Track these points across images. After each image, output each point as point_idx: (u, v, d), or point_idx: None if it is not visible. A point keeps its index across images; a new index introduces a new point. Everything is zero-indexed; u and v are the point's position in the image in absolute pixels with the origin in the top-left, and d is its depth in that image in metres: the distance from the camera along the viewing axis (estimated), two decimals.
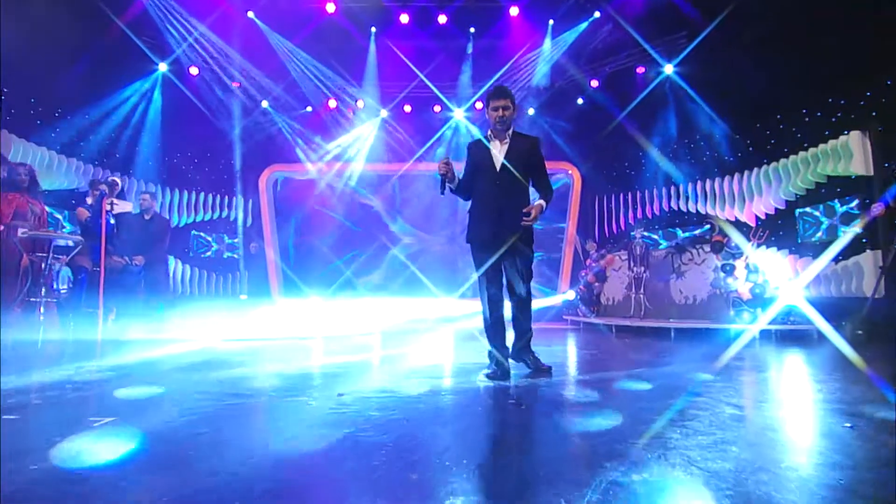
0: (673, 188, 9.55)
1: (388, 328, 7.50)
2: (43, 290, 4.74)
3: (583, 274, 8.59)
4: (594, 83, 10.14)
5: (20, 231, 4.66)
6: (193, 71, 9.90)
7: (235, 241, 10.90)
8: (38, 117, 7.83)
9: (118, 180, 5.89)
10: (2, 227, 4.74)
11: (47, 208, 5.60)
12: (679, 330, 5.94)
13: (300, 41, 9.71)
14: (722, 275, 6.02)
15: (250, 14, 9.36)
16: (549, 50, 9.73)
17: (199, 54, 9.51)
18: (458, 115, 10.76)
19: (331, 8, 9.12)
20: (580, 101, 10.41)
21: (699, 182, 8.95)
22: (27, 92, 7.74)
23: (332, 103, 10.83)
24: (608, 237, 10.32)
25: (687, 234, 8.86)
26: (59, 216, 7.28)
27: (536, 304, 9.86)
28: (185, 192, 10.32)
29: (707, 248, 6.42)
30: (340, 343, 5.47)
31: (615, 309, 7.84)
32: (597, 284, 8.16)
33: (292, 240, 11.39)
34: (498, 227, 3.04)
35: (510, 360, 3.18)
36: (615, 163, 10.55)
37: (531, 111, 10.73)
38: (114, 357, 3.81)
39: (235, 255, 10.89)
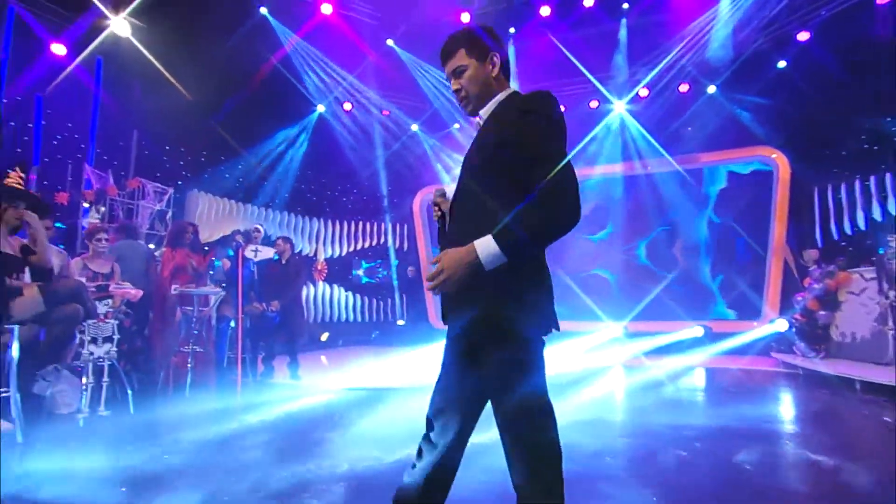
0: None
1: (556, 369, 6.48)
2: (191, 341, 5.03)
3: (799, 298, 6.33)
4: (803, 36, 7.64)
5: (173, 288, 5.02)
6: (347, 107, 10.33)
7: (375, 265, 11.14)
8: (225, 171, 8.96)
9: (260, 228, 6.15)
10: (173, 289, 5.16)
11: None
12: None
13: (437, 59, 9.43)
14: None
15: (389, 42, 9.38)
16: (728, 5, 7.62)
17: (347, 90, 9.88)
18: (619, 107, 9.26)
19: (465, 18, 8.61)
20: (782, 63, 7.97)
21: None
22: (214, 149, 8.93)
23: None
24: (839, 244, 7.59)
25: None
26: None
27: (734, 340, 7.88)
28: (346, 223, 10.86)
29: None
30: None
31: (856, 350, 5.55)
32: (822, 313, 5.91)
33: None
34: (443, 297, 1.49)
35: None
36: (842, 139, 7.73)
37: (711, 89, 8.64)
38: (220, 424, 3.67)
39: (375, 280, 11.11)
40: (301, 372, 5.77)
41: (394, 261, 11.04)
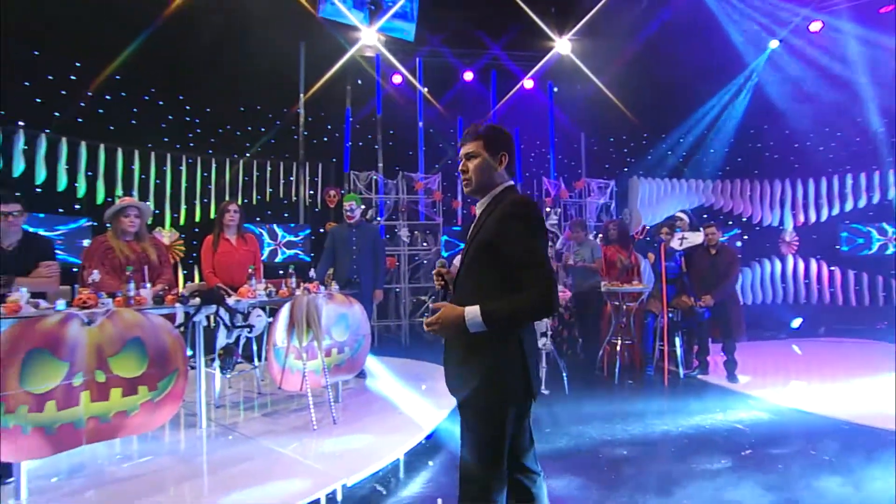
0: None
1: None
2: (620, 334, 5.49)
3: None
4: None
5: (603, 286, 5.61)
6: (815, 27, 8.15)
7: (870, 230, 8.08)
8: (667, 150, 9.05)
9: (683, 216, 5.90)
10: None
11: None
12: None
13: None
14: None
15: None
16: None
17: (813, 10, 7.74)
18: None
19: None
20: None
21: None
22: (653, 130, 9.05)
23: None
24: None
25: None
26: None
27: None
28: (825, 179, 8.60)
29: None
30: None
31: None
32: None
33: None
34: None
35: None
36: None
37: None
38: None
39: (873, 251, 8.06)
40: (739, 373, 5.22)
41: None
